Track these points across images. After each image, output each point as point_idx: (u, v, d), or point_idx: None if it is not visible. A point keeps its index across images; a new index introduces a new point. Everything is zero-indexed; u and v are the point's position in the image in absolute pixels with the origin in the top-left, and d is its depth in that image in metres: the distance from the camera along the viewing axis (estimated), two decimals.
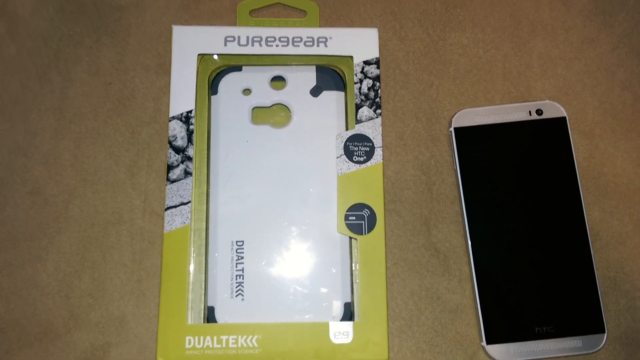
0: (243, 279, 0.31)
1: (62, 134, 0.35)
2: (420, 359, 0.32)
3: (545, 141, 0.34)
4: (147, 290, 0.33)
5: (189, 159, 0.32)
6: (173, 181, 0.31)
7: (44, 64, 0.36)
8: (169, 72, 0.35)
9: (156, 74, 0.35)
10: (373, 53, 0.33)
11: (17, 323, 0.32)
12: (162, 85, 0.35)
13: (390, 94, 0.35)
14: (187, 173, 0.31)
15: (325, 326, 0.30)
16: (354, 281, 0.31)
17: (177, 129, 0.32)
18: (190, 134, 0.32)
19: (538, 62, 0.36)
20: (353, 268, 0.31)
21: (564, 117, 0.34)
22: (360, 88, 0.33)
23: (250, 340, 0.29)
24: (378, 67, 0.33)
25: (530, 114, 0.34)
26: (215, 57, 0.33)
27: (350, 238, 0.31)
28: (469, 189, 0.33)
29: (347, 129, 0.33)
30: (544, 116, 0.34)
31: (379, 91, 0.33)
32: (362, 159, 0.32)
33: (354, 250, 0.31)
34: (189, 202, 0.31)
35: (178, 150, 0.32)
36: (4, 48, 0.36)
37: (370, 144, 0.32)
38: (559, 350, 0.31)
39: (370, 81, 0.33)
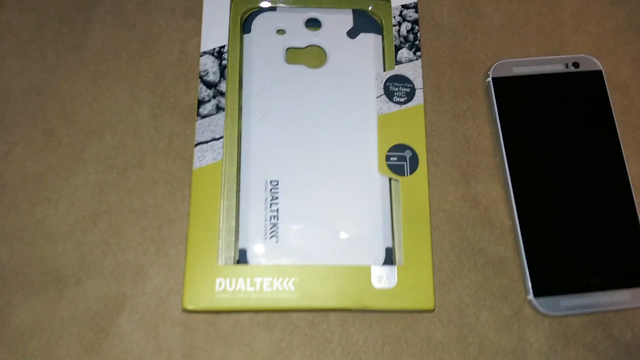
0: (278, 220, 0.28)
1: (81, 74, 0.33)
2: (464, 313, 0.30)
3: (583, 93, 0.33)
4: (168, 238, 0.30)
5: (221, 94, 0.30)
6: (204, 116, 0.29)
7: (64, 3, 0.34)
8: (197, 16, 0.34)
9: (183, 17, 0.34)
10: None
11: (20, 271, 0.29)
12: (189, 29, 0.34)
13: (425, 46, 0.34)
14: (219, 108, 0.30)
15: (367, 270, 0.27)
16: (394, 226, 0.29)
17: (208, 64, 0.30)
18: (222, 69, 0.30)
19: (571, 19, 0.35)
20: (393, 211, 0.29)
21: (600, 71, 0.33)
22: (399, 30, 0.32)
23: (287, 283, 0.27)
24: (416, 12, 0.32)
25: (567, 67, 0.33)
26: None
27: (390, 180, 0.30)
28: (509, 138, 0.32)
29: (384, 71, 0.31)
30: (580, 69, 0.33)
31: (418, 34, 0.32)
32: (402, 99, 0.30)
33: (394, 193, 0.29)
34: (221, 137, 0.29)
35: (210, 85, 0.30)
36: None
37: (411, 85, 0.31)
38: (608, 304, 0.29)
39: (409, 24, 0.32)
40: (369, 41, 0.32)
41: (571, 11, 0.36)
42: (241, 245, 0.28)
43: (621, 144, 0.32)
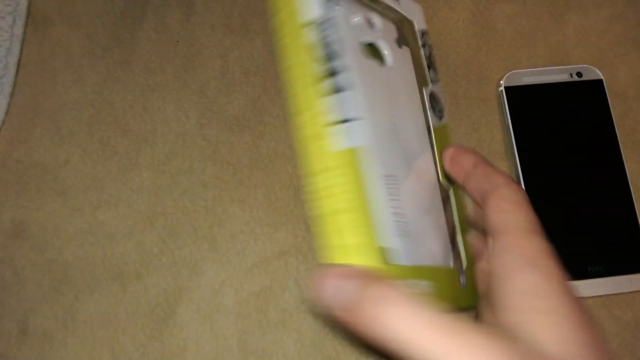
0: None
1: (131, 87, 0.35)
2: None
3: (585, 100, 0.37)
4: (218, 236, 0.33)
5: None
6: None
7: (111, 21, 0.36)
8: (235, 32, 0.36)
9: (222, 33, 0.37)
10: (422, 25, 0.35)
11: (85, 269, 0.32)
12: (229, 44, 0.37)
13: (443, 58, 0.38)
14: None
15: None
16: None
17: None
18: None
19: (574, 33, 0.39)
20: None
21: (601, 80, 0.37)
22: (424, 52, 0.35)
23: None
24: (429, 38, 0.35)
25: (572, 76, 0.37)
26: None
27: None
28: (520, 142, 0.36)
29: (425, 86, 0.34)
30: (583, 78, 0.37)
31: (434, 58, 0.35)
32: (441, 115, 0.34)
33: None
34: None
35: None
36: (69, 5, 0.36)
37: (442, 104, 0.34)
38: (611, 288, 0.33)
39: (429, 49, 0.35)
40: (409, 55, 0.34)
41: (574, 26, 0.39)
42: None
43: (620, 145, 0.36)
